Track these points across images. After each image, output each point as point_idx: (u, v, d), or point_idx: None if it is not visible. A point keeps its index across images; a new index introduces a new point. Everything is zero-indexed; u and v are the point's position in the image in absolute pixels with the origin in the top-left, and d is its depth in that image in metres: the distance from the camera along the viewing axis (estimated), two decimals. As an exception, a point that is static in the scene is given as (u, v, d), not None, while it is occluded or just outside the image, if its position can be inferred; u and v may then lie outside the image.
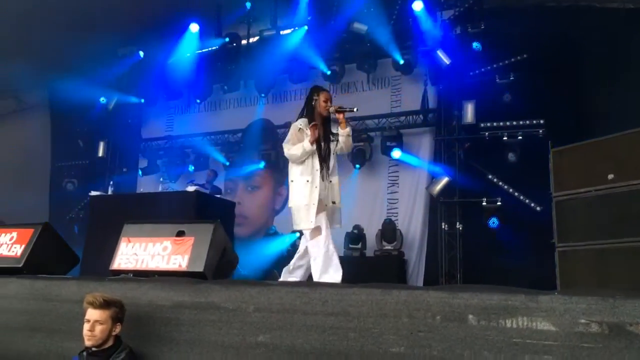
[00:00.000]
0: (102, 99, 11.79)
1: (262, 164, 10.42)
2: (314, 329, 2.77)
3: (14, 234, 3.99)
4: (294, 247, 9.58)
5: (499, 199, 8.03)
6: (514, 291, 2.53)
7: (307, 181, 4.57)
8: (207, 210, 7.12)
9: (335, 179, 4.73)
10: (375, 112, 9.65)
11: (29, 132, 12.65)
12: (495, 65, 8.49)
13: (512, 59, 8.41)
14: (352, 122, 9.73)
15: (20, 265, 3.79)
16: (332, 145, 4.73)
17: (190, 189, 7.49)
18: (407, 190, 9.26)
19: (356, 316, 2.73)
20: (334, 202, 4.70)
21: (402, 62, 9.15)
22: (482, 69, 8.60)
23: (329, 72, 9.85)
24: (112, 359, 2.89)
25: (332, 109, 4.64)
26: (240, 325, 2.92)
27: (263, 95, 10.68)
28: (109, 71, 11.73)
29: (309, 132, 4.58)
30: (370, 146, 9.54)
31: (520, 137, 8.11)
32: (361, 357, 2.66)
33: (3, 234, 4.01)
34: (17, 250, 3.89)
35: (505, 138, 8.20)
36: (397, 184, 9.44)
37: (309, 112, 4.80)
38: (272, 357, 2.80)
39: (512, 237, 7.56)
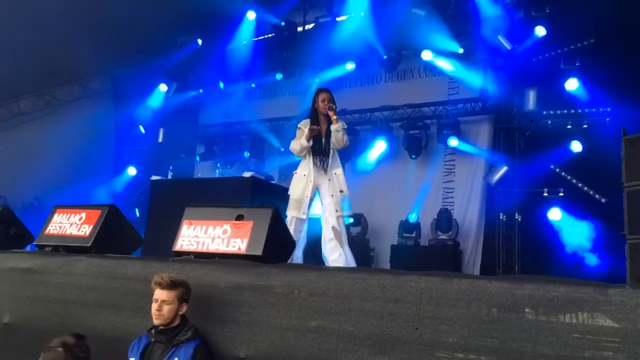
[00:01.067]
0: (162, 86, 12.12)
1: (317, 151, 10.44)
2: (372, 315, 2.76)
3: (83, 215, 4.17)
4: (347, 233, 9.60)
5: (562, 189, 7.75)
6: (582, 283, 2.44)
7: (304, 175, 5.12)
8: (263, 196, 7.22)
9: (338, 171, 5.14)
10: (432, 100, 9.49)
11: (93, 118, 13.13)
12: (560, 51, 8.16)
13: (578, 44, 8.05)
14: (408, 110, 9.64)
15: (88, 245, 3.96)
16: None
17: (247, 174, 7.61)
18: (463, 179, 9.10)
19: (415, 303, 2.71)
20: (341, 191, 5.09)
21: (461, 49, 8.92)
22: (546, 55, 8.28)
23: (385, 57, 9.74)
24: (178, 337, 2.98)
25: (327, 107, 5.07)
26: (298, 309, 2.95)
27: (318, 81, 10.68)
28: (168, 59, 12.03)
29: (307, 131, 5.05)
30: (426, 134, 9.41)
31: (585, 126, 7.79)
32: (420, 345, 2.64)
33: (73, 215, 4.20)
34: (86, 230, 4.06)
35: (569, 126, 7.90)
36: (454, 172, 9.28)
37: (312, 112, 5.27)
38: (329, 342, 2.81)
39: (574, 230, 7.29)
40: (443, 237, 8.38)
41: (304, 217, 5.07)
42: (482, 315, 2.56)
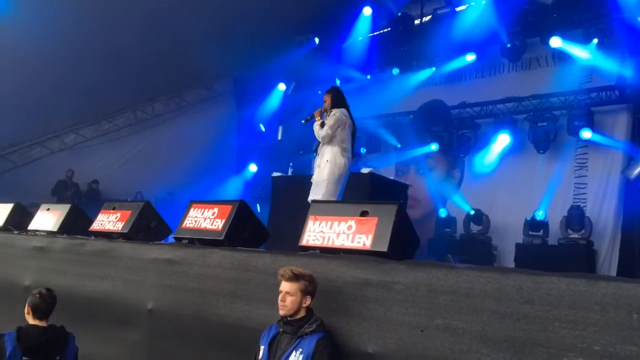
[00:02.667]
0: (281, 85, 12.51)
1: (435, 146, 10.22)
2: (507, 316, 2.63)
3: (216, 210, 4.41)
4: (467, 231, 9.31)
5: None
6: None
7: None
8: (381, 192, 7.19)
9: (322, 161, 5.48)
10: (561, 89, 8.90)
11: (217, 118, 13.90)
12: None
13: None
14: (534, 101, 9.13)
15: (221, 238, 4.18)
16: None
17: (365, 170, 7.62)
18: (597, 174, 8.44)
19: (555, 306, 2.53)
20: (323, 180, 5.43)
21: (594, 35, 8.25)
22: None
23: (508, 46, 9.28)
24: (303, 329, 3.04)
25: None
26: (427, 307, 2.88)
27: (434, 70, 10.42)
28: (286, 58, 12.39)
29: None
30: (555, 126, 8.84)
31: None
32: (560, 349, 2.47)
33: (207, 209, 4.45)
34: (219, 224, 4.28)
35: None
36: (586, 167, 8.64)
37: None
38: (461, 342, 2.72)
39: None
40: (574, 236, 7.84)
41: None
42: (632, 321, 2.34)
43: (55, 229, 5.64)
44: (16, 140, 12.00)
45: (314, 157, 5.73)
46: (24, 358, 3.44)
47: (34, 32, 9.35)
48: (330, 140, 5.44)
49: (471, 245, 8.97)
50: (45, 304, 3.62)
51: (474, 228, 9.10)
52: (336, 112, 5.46)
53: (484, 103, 9.76)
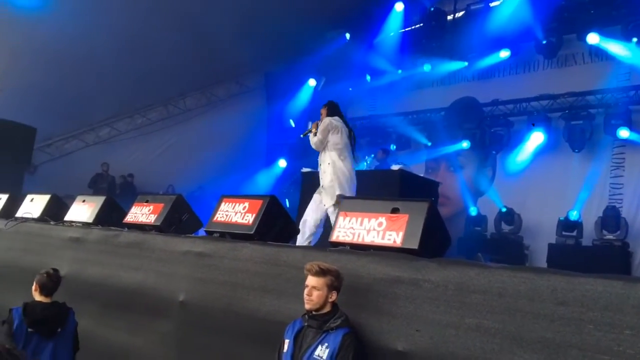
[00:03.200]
0: (311, 81, 12.52)
1: (467, 143, 10.09)
2: (541, 317, 2.58)
3: (246, 204, 4.44)
4: (498, 230, 9.18)
5: None
6: None
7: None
8: (411, 189, 7.14)
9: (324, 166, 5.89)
10: (598, 87, 8.69)
11: (248, 113, 13.98)
12: None
13: None
14: (569, 99, 8.94)
15: (252, 232, 4.21)
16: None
17: (395, 167, 7.58)
18: (635, 174, 8.24)
19: (591, 308, 2.48)
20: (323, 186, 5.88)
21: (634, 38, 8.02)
22: None
23: (544, 42, 9.10)
24: (329, 324, 3.04)
25: None
26: (459, 306, 2.85)
27: (466, 64, 10.26)
28: (317, 54, 12.39)
29: None
30: (591, 125, 8.65)
31: None
32: (596, 352, 2.41)
33: (237, 204, 4.49)
34: (249, 218, 4.31)
35: None
36: (623, 167, 8.43)
37: None
38: (493, 342, 2.69)
39: None
40: (610, 237, 7.66)
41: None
42: (673, 327, 2.28)
43: (90, 221, 5.77)
44: (52, 134, 12.31)
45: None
46: (29, 330, 3.76)
47: (71, 29, 9.57)
48: (324, 146, 5.88)
49: (502, 245, 8.85)
50: (52, 283, 3.98)
51: (505, 227, 8.97)
52: (325, 120, 5.90)
53: (518, 100, 9.60)
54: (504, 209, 9.05)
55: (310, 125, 6.14)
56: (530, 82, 9.66)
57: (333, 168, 5.76)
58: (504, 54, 9.70)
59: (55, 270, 4.08)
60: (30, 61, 9.92)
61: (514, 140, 9.52)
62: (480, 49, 9.92)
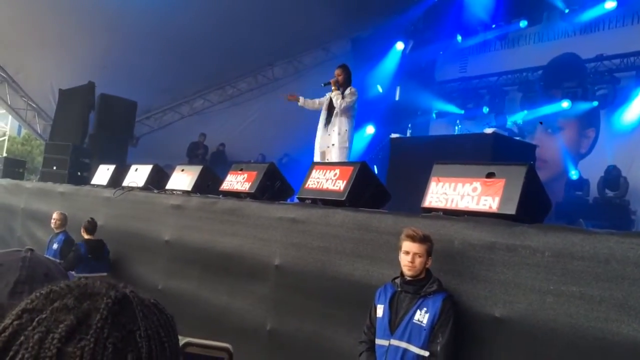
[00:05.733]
0: (399, 44, 12.24)
1: (567, 103, 9.49)
2: (653, 286, 2.43)
3: (337, 171, 4.48)
4: (601, 194, 8.65)
5: None
6: None
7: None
8: (506, 153, 6.86)
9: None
10: None
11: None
12: None
13: None
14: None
15: (343, 199, 4.25)
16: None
17: (488, 131, 7.31)
18: None
19: None
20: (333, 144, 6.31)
21: None
22: None
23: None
24: (425, 289, 3.05)
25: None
26: (561, 272, 2.74)
27: (567, 13, 9.50)
28: (404, 17, 12.06)
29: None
30: None
31: None
32: None
33: (328, 171, 4.54)
34: (340, 185, 4.36)
35: None
36: None
37: None
38: (598, 310, 2.57)
39: None
40: None
41: None
42: None
43: (189, 189, 6.07)
44: (151, 107, 13.00)
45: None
46: (89, 255, 5.89)
47: (162, 7, 9.95)
48: (346, 112, 6.34)
49: (606, 210, 8.32)
50: (92, 226, 6.09)
51: (609, 192, 8.43)
52: (353, 88, 6.40)
53: (625, 55, 8.84)
54: (608, 171, 8.47)
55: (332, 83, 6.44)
56: (639, 34, 8.86)
57: (344, 135, 6.32)
58: (610, 4, 8.92)
59: (92, 219, 6.14)
60: (127, 40, 10.46)
61: (620, 99, 8.82)
62: (582, 1, 9.21)
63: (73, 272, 5.67)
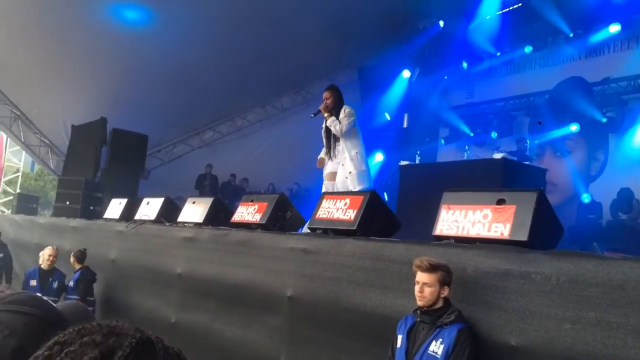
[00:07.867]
0: (405, 72, 12.36)
1: (576, 127, 9.49)
2: (670, 312, 2.41)
3: (348, 200, 4.49)
4: (615, 217, 8.58)
5: None
6: None
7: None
8: (516, 178, 6.86)
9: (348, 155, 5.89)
10: None
11: (343, 109, 14.02)
12: None
13: None
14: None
15: (354, 228, 4.25)
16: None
17: (497, 156, 7.32)
18: None
19: None
20: (350, 172, 5.87)
21: None
22: None
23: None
24: (442, 319, 3.02)
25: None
26: (576, 299, 2.72)
27: (572, 36, 9.55)
28: (410, 45, 12.22)
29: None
30: None
31: None
32: None
33: (339, 200, 4.55)
34: (351, 214, 4.36)
35: None
36: None
37: None
38: (615, 337, 2.54)
39: None
40: None
41: None
42: None
43: (201, 221, 6.10)
44: (161, 140, 13.16)
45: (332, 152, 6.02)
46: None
47: (171, 42, 10.18)
48: (348, 134, 5.83)
49: (620, 233, 8.24)
50: (83, 255, 6.45)
51: (622, 214, 8.36)
52: (348, 108, 5.83)
53: (632, 77, 8.88)
54: (620, 194, 8.43)
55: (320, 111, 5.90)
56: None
57: (361, 155, 5.95)
58: (614, 28, 8.99)
59: (84, 249, 6.52)
60: (138, 75, 10.67)
61: (629, 121, 8.82)
62: (586, 25, 9.29)
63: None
